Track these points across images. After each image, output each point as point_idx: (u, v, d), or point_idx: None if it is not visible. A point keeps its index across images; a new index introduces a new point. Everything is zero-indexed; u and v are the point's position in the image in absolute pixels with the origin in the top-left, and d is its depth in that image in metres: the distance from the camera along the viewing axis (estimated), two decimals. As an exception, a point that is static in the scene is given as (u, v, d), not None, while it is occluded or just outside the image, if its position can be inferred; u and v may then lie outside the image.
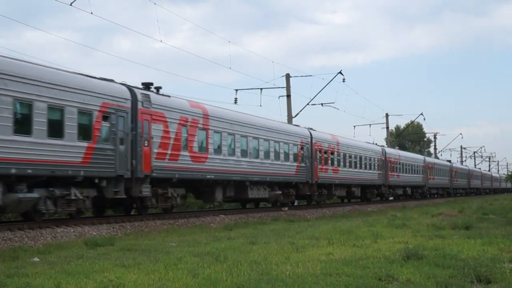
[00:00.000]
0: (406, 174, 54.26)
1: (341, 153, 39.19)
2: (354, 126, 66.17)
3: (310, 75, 48.23)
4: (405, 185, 54.54)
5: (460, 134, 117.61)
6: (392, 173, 49.94)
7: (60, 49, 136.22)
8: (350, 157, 40.99)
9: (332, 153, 37.60)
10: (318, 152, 35.11)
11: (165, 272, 9.81)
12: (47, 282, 9.01)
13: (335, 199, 43.93)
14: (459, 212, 27.00)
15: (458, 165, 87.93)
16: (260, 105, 66.83)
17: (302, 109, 44.05)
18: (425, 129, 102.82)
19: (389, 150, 51.52)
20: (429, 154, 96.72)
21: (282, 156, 31.15)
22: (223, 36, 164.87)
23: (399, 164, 52.29)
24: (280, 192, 31.56)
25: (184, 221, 23.08)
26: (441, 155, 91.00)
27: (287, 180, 32.08)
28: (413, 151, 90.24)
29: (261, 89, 40.05)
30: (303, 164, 33.54)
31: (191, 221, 23.30)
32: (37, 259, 12.35)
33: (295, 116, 41.51)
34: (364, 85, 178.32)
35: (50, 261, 11.95)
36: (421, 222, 20.33)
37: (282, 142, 31.36)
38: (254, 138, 28.45)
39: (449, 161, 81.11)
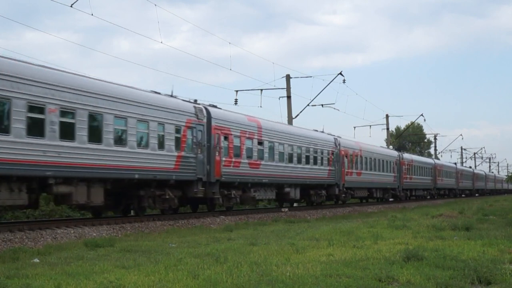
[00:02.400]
0: (279, 164, 30.92)
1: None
2: (355, 127, 66.23)
3: (310, 76, 48.18)
4: (283, 182, 31.62)
5: (461, 135, 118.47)
6: (256, 161, 28.37)
7: (59, 50, 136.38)
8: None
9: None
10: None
11: (165, 273, 9.81)
12: (47, 283, 9.01)
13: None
14: (459, 213, 26.97)
15: (415, 156, 62.29)
16: (261, 106, 66.70)
17: (303, 110, 44.20)
18: (426, 130, 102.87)
19: (265, 123, 30.10)
20: (430, 155, 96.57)
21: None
22: (222, 37, 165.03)
23: (269, 147, 30.05)
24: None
25: (184, 222, 23.07)
26: (442, 156, 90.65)
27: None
28: (414, 152, 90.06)
29: (261, 90, 40.01)
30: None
31: (191, 222, 23.29)
32: (37, 260, 12.35)
33: (295, 117, 41.52)
34: (365, 86, 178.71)
35: (50, 262, 11.95)
36: (421, 223, 20.31)
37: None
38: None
39: (399, 149, 59.25)
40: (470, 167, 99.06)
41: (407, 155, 57.31)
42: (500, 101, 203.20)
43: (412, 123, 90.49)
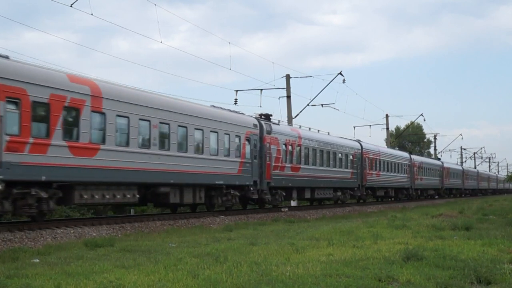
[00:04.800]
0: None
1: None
2: (354, 127, 65.94)
3: (310, 76, 48.24)
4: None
5: (460, 135, 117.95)
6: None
7: (59, 50, 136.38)
8: None
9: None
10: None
11: (165, 273, 9.81)
12: (47, 283, 9.01)
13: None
14: (459, 213, 26.99)
15: (318, 134, 36.83)
16: (260, 106, 66.86)
17: (302, 110, 44.03)
18: (425, 130, 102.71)
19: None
20: (429, 155, 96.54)
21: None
22: (222, 37, 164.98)
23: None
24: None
25: (184, 221, 23.07)
26: (441, 156, 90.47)
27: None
28: (413, 151, 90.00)
29: (261, 90, 39.97)
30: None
31: (191, 221, 23.29)
32: (37, 260, 12.34)
33: (295, 117, 41.56)
34: (364, 86, 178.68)
35: (50, 262, 11.95)
36: (421, 223, 20.31)
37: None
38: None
39: (266, 117, 30.99)
40: (439, 159, 75.90)
41: (303, 132, 34.17)
42: (500, 101, 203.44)
43: (412, 123, 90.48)
